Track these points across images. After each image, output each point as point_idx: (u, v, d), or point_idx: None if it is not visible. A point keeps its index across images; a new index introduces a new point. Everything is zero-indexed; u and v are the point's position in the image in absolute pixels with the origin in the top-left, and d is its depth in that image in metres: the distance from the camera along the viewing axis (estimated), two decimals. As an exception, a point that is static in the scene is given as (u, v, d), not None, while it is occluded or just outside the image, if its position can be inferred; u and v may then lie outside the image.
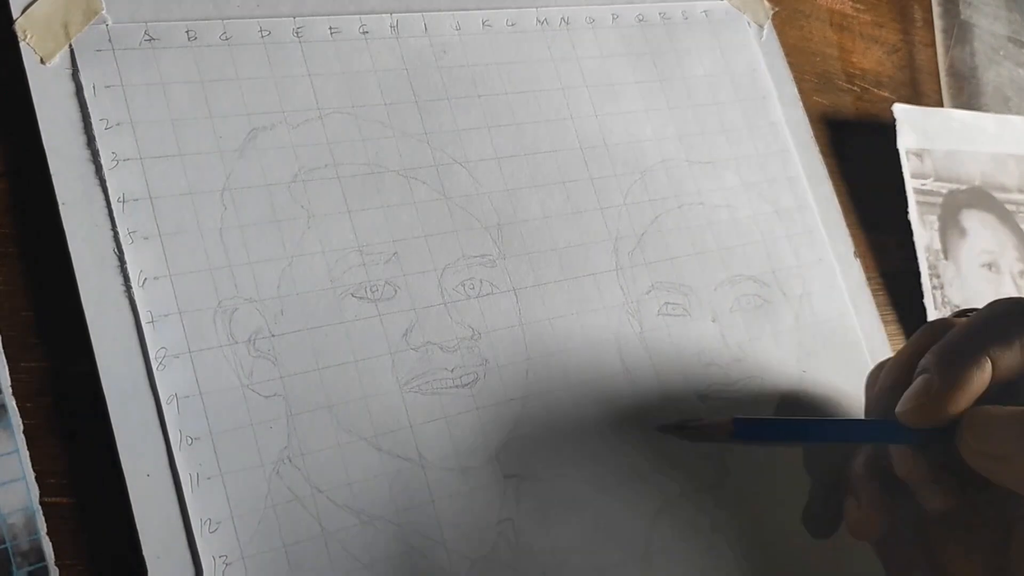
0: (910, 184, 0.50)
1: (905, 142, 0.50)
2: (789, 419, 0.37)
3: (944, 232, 0.51)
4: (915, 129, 0.51)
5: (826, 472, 0.39)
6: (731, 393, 0.40)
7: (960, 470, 0.34)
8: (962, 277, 0.51)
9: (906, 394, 0.34)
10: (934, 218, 0.51)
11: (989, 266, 0.52)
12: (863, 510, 0.36)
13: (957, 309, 0.49)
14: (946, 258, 0.50)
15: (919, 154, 0.51)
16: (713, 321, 0.41)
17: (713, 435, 0.36)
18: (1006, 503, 0.35)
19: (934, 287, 0.49)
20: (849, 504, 0.36)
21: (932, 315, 0.48)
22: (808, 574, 0.39)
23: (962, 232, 0.52)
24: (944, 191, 0.52)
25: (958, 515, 0.36)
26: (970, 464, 0.33)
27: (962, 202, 0.52)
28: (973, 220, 0.53)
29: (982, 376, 0.33)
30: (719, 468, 0.39)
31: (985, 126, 0.54)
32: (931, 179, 0.51)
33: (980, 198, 0.53)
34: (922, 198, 0.50)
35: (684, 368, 0.39)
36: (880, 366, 0.38)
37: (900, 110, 0.51)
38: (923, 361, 0.35)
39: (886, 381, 0.37)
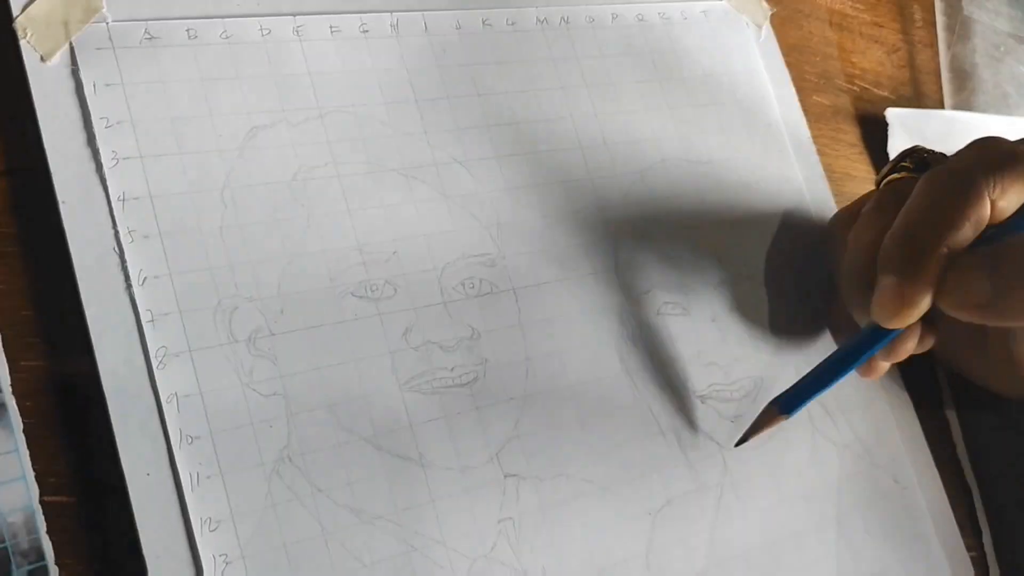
0: None
1: (898, 145, 0.50)
2: (813, 374, 0.38)
3: None
4: (910, 132, 0.51)
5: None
6: (731, 392, 0.40)
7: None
8: None
9: (878, 301, 0.35)
10: None
11: None
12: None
13: None
14: None
15: None
16: (712, 320, 0.41)
17: (768, 425, 0.38)
18: None
19: None
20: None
21: None
22: (808, 574, 0.39)
23: None
24: None
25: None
26: (958, 317, 0.35)
27: None
28: None
29: (941, 259, 0.34)
30: (719, 468, 0.39)
31: (981, 126, 0.55)
32: None
33: None
34: None
35: (684, 367, 0.39)
36: (848, 211, 0.41)
37: (893, 114, 0.51)
38: (884, 250, 0.35)
39: (854, 260, 0.38)
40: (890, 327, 0.36)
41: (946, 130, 0.53)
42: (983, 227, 0.35)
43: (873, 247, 0.37)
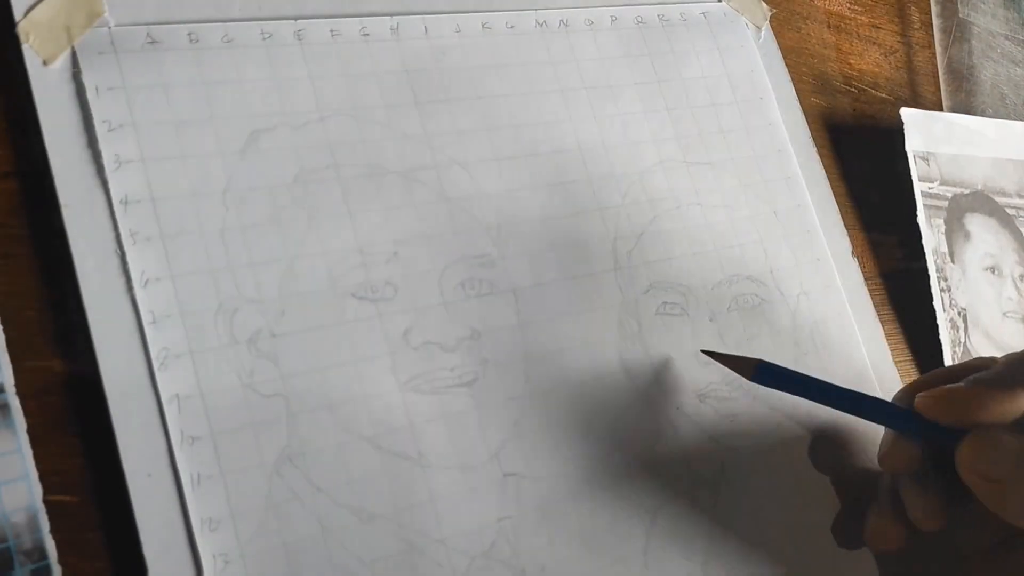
0: (918, 187, 0.50)
1: (912, 145, 0.50)
2: (809, 376, 0.38)
3: (950, 235, 0.51)
4: (921, 133, 0.51)
5: (860, 486, 0.40)
6: (729, 391, 0.40)
7: (950, 488, 0.34)
8: (967, 280, 0.51)
9: (932, 390, 0.35)
10: (941, 221, 0.51)
11: (992, 269, 0.53)
12: (882, 518, 0.36)
13: (962, 311, 0.49)
14: (952, 261, 0.51)
15: (925, 158, 0.51)
16: (711, 320, 0.41)
17: (738, 369, 0.38)
18: (987, 526, 0.35)
19: (942, 290, 0.49)
20: (871, 512, 0.37)
21: (941, 317, 0.48)
22: (807, 574, 0.39)
23: (967, 235, 0.52)
24: (949, 195, 0.52)
25: (945, 540, 0.36)
26: (963, 478, 0.34)
27: (966, 206, 0.53)
28: (976, 224, 0.53)
29: (1008, 403, 0.34)
30: (717, 467, 0.39)
31: (986, 131, 0.55)
32: (937, 183, 0.51)
33: (982, 202, 0.54)
34: (929, 201, 0.51)
35: (682, 367, 0.40)
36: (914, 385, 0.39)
37: (907, 114, 0.51)
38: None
39: (918, 384, 0.38)
40: (921, 406, 0.35)
41: (955, 132, 0.53)
42: None
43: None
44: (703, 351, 0.39)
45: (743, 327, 0.42)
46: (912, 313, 0.49)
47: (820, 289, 0.44)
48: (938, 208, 0.51)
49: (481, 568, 0.33)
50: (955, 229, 0.52)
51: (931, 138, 0.52)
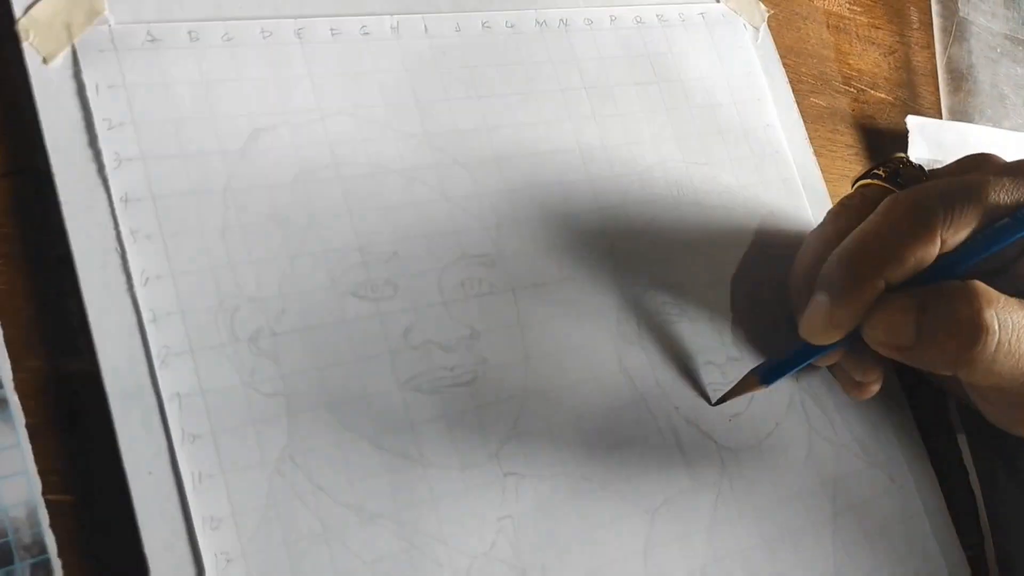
0: None
1: (916, 153, 0.51)
2: (792, 350, 0.39)
3: None
4: (928, 141, 0.51)
5: None
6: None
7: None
8: None
9: (806, 316, 0.36)
10: None
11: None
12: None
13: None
14: None
15: (931, 166, 0.52)
16: (710, 320, 0.41)
17: (749, 388, 0.39)
18: None
19: None
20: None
21: None
22: (805, 572, 0.39)
23: None
24: None
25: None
26: (881, 353, 0.35)
27: None
28: None
29: (876, 290, 0.34)
30: (717, 467, 0.39)
31: (997, 142, 0.55)
32: None
33: None
34: None
35: (682, 367, 0.40)
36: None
37: (913, 122, 0.51)
38: (826, 265, 0.36)
39: (803, 262, 0.39)
40: (813, 343, 0.37)
41: (967, 142, 0.53)
42: (925, 266, 0.35)
43: (821, 255, 0.37)
44: (717, 403, 0.40)
45: (742, 327, 0.42)
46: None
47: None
48: None
49: (482, 567, 0.33)
50: None
51: (940, 147, 0.52)
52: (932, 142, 0.52)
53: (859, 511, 0.42)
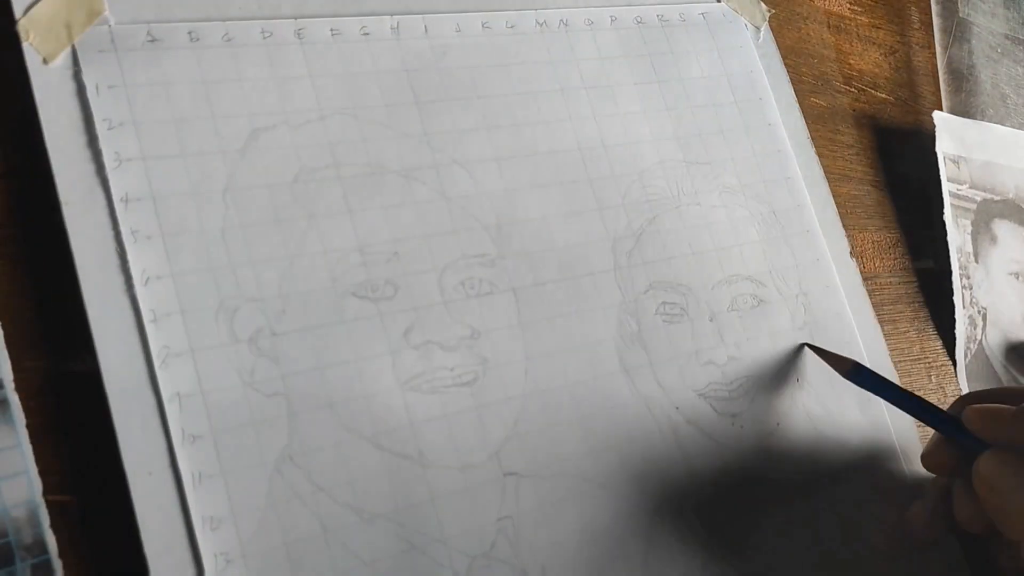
0: (946, 187, 0.51)
1: (943, 147, 0.52)
2: (895, 385, 0.41)
3: (976, 236, 0.52)
4: (953, 137, 0.53)
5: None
6: (729, 391, 0.40)
7: None
8: (990, 281, 0.52)
9: (981, 405, 0.38)
10: (967, 222, 0.52)
11: (1016, 275, 0.53)
12: (922, 509, 0.40)
13: (982, 309, 0.51)
14: (976, 261, 0.51)
15: (956, 160, 0.53)
16: (710, 320, 0.41)
17: (834, 365, 0.42)
18: None
19: (964, 287, 0.50)
20: (915, 502, 0.41)
21: (960, 314, 0.49)
22: (806, 574, 0.39)
23: (993, 239, 0.53)
24: (979, 199, 0.53)
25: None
26: (974, 486, 0.36)
27: (995, 211, 0.54)
28: (1004, 230, 0.54)
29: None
30: (717, 467, 0.39)
31: (1020, 142, 0.56)
32: (967, 185, 0.53)
33: (1013, 210, 0.55)
34: (957, 202, 0.52)
35: (682, 367, 0.40)
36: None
37: (940, 117, 0.52)
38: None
39: (975, 396, 0.40)
40: (966, 419, 0.38)
41: (989, 141, 0.55)
42: None
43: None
44: (806, 344, 0.42)
45: (742, 327, 0.42)
46: (913, 312, 0.49)
47: (819, 289, 0.44)
48: (966, 209, 0.52)
49: (482, 568, 0.33)
50: (982, 231, 0.53)
51: (963, 143, 0.53)
52: (956, 138, 0.53)
53: (858, 507, 0.41)
